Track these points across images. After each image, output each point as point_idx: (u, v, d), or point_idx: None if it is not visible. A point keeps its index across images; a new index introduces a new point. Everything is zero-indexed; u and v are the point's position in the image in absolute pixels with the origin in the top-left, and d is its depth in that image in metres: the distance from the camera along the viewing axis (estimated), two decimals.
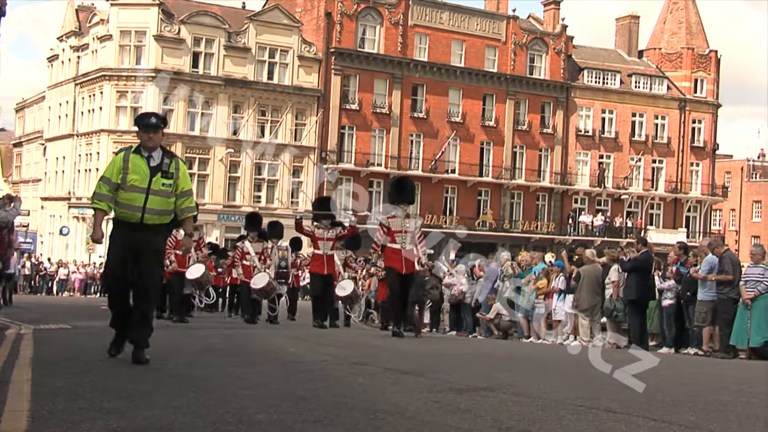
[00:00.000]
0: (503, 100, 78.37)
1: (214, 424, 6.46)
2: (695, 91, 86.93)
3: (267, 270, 25.76)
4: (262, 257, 26.01)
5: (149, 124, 10.69)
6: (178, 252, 24.45)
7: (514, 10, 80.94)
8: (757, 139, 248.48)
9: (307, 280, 37.94)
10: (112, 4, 68.02)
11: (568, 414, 7.54)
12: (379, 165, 72.73)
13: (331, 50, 71.78)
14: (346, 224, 25.90)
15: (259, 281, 25.17)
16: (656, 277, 23.16)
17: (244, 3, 78.01)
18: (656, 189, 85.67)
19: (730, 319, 20.42)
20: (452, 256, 32.77)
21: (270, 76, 70.80)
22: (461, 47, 77.31)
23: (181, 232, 24.04)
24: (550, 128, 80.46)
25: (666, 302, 22.70)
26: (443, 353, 16.10)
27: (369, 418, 6.93)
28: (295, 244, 30.32)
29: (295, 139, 71.23)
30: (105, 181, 10.67)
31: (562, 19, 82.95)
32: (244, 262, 26.46)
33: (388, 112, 73.94)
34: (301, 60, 71.51)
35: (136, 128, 11.14)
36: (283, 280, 28.49)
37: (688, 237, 73.49)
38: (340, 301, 26.76)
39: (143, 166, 10.61)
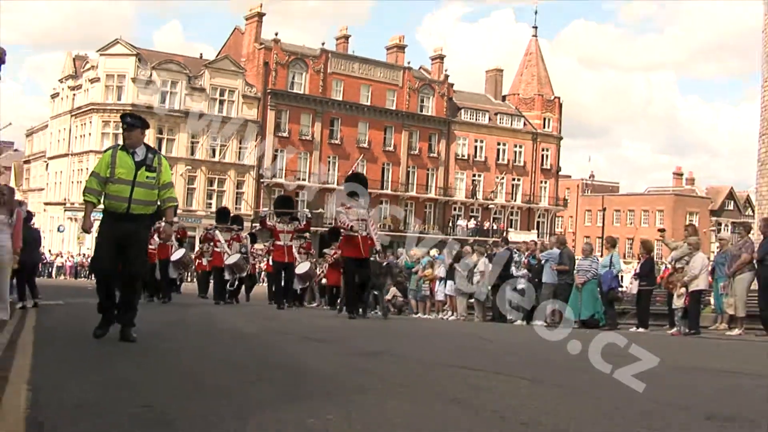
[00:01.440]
0: (400, 131, 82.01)
1: (170, 380, 6.42)
2: (544, 127, 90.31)
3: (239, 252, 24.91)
4: (231, 244, 25.16)
5: (127, 123, 10.26)
6: (216, 249, 25.02)
7: (408, 63, 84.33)
8: (588, 164, 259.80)
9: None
10: (100, 54, 70.98)
11: (442, 372, 7.59)
12: (304, 180, 75.16)
13: (268, 91, 74.99)
14: (303, 219, 24.83)
15: (231, 258, 24.65)
16: (513, 267, 23.32)
17: (201, 53, 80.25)
18: (515, 200, 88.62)
19: (566, 299, 21.17)
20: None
21: (220, 110, 73.43)
22: (368, 90, 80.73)
23: (217, 232, 25.01)
24: (435, 153, 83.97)
25: (519, 286, 22.60)
26: (351, 326, 15.69)
27: (292, 378, 6.81)
28: (253, 237, 30.22)
29: (239, 159, 73.72)
30: (95, 175, 10.08)
31: (446, 70, 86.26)
32: (216, 249, 25.92)
33: (311, 139, 76.96)
34: (244, 98, 74.50)
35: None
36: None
37: (538, 236, 73.56)
38: (298, 285, 26.81)
39: (129, 161, 10.00)
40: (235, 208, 68.65)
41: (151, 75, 71.00)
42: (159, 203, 10.47)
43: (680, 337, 17.51)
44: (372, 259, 19.83)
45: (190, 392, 5.91)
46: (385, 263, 21.74)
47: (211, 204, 70.98)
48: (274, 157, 75.48)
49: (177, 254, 24.94)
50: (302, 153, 77.19)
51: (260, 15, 78.25)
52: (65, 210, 73.24)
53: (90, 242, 69.14)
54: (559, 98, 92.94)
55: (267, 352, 9.46)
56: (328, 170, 77.76)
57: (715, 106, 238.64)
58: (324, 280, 30.36)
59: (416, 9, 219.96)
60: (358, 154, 79.51)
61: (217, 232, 26.27)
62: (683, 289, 18.29)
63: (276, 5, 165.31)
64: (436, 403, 5.66)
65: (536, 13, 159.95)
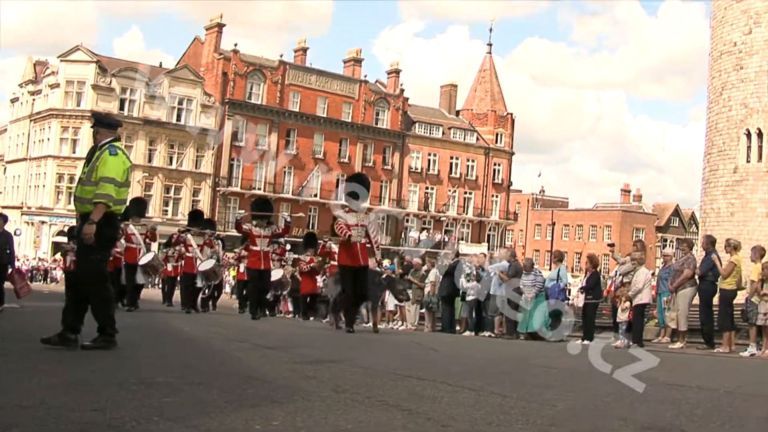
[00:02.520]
0: (355, 143, 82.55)
1: (120, 383, 6.31)
2: (496, 142, 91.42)
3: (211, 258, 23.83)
4: (203, 249, 23.88)
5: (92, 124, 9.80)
6: (131, 244, 21.95)
7: (365, 76, 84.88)
8: (539, 179, 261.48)
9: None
10: (61, 60, 71.03)
11: (389, 380, 7.54)
12: (259, 189, 74.83)
13: (226, 101, 75.17)
14: (282, 224, 22.88)
15: (204, 265, 23.42)
16: (462, 279, 23.21)
17: (161, 62, 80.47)
18: (467, 213, 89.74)
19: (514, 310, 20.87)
20: None
21: (178, 118, 73.62)
22: (325, 102, 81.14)
23: (131, 226, 21.87)
24: (389, 165, 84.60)
25: (469, 297, 23.08)
26: (303, 333, 15.94)
27: (239, 382, 6.82)
28: (223, 243, 28.96)
29: (196, 168, 73.83)
30: None
31: (401, 85, 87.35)
32: (187, 254, 24.09)
33: (267, 148, 76.96)
34: (202, 107, 74.51)
35: None
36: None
37: (489, 249, 74.35)
38: (270, 293, 25.52)
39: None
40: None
41: (110, 82, 70.91)
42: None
43: (624, 349, 17.49)
44: (372, 268, 17.70)
45: (141, 396, 5.82)
46: (384, 275, 19.42)
47: (167, 211, 71.57)
48: (230, 167, 75.46)
49: (145, 258, 22.62)
50: (258, 162, 77.05)
51: (220, 26, 78.59)
52: (22, 214, 72.67)
53: (46, 246, 69.11)
54: (511, 114, 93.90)
55: (218, 358, 9.39)
56: (284, 180, 77.76)
57: (663, 125, 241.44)
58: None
59: (374, 23, 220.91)
60: (314, 164, 79.80)
61: (189, 235, 24.37)
62: (627, 303, 18.44)
63: (236, 16, 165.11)
64: (381, 410, 5.66)
65: (491, 30, 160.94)
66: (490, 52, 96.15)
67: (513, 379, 8.74)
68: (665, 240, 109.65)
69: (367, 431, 4.93)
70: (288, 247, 30.93)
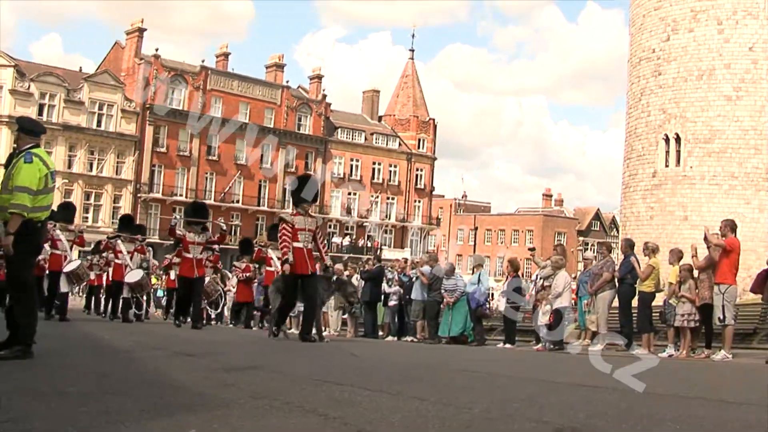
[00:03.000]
0: (277, 149, 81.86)
1: (34, 393, 6.20)
2: (419, 148, 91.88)
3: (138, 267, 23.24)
4: (133, 256, 23.30)
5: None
6: (56, 251, 20.93)
7: (287, 82, 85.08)
8: (462, 184, 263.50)
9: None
10: None
11: (308, 386, 7.50)
12: (181, 195, 75.09)
13: (147, 106, 74.20)
14: (217, 231, 22.54)
15: (133, 276, 22.81)
16: (384, 284, 23.93)
17: (81, 67, 78.79)
18: (389, 219, 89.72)
19: (434, 315, 21.62)
20: None
21: (99, 124, 72.50)
22: (247, 107, 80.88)
23: (57, 231, 20.78)
24: (312, 171, 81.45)
25: (391, 302, 23.75)
26: (224, 340, 15.74)
27: (156, 391, 6.72)
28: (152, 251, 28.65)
29: (117, 174, 72.82)
30: None
31: (323, 90, 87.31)
32: (117, 260, 23.37)
33: (189, 154, 76.78)
34: (123, 113, 73.47)
35: None
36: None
37: (411, 254, 72.29)
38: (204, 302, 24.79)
39: None
40: (112, 222, 66.84)
41: (29, 87, 69.69)
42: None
43: (545, 352, 17.91)
44: (320, 274, 16.84)
45: (55, 407, 5.72)
46: (335, 278, 18.50)
47: (87, 218, 70.17)
48: (152, 173, 74.98)
49: (70, 266, 21.70)
50: (179, 168, 76.91)
51: (141, 30, 77.73)
52: None
53: None
54: (434, 120, 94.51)
55: (134, 366, 9.26)
56: (205, 186, 77.53)
57: (583, 130, 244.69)
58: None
59: (295, 29, 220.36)
60: (236, 170, 79.59)
61: (119, 241, 23.60)
62: (548, 307, 18.68)
63: (157, 21, 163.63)
64: (299, 416, 5.64)
65: (413, 36, 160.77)
66: (412, 58, 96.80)
67: (432, 384, 8.73)
68: (586, 244, 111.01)
69: None
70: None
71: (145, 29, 78.30)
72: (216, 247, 25.19)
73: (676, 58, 45.61)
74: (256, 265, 26.22)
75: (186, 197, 74.26)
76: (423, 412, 6.10)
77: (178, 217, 22.38)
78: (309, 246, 15.69)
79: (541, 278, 19.72)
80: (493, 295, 44.41)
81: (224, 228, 22.27)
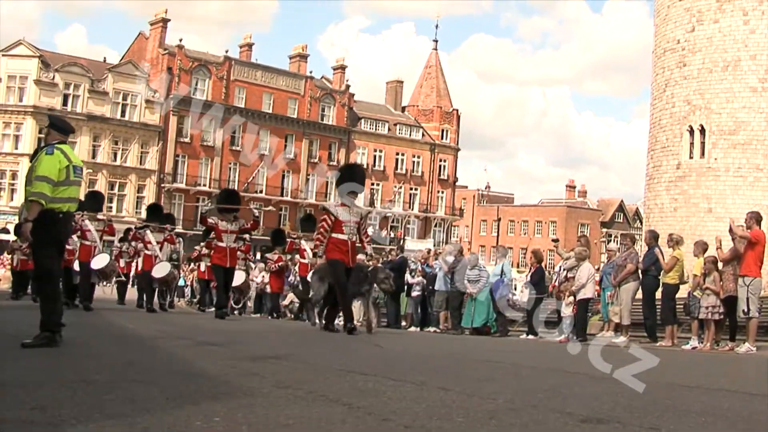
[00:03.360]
0: (300, 139, 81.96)
1: (61, 381, 6.26)
2: (442, 138, 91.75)
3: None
4: (162, 246, 22.64)
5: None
6: (86, 242, 20.62)
7: (311, 72, 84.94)
8: (484, 175, 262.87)
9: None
10: (3, 55, 69.08)
11: (332, 376, 7.52)
12: (204, 185, 75.67)
13: (171, 96, 74.39)
14: (250, 218, 21.58)
15: (160, 270, 22.22)
16: (407, 274, 23.91)
17: (105, 57, 79.86)
18: (412, 209, 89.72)
19: (458, 306, 21.56)
20: None
21: (123, 114, 72.87)
22: (270, 98, 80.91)
23: (86, 222, 20.61)
24: (335, 162, 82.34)
25: (414, 293, 23.81)
26: (248, 330, 15.56)
27: (181, 379, 6.77)
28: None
29: (140, 164, 73.15)
30: None
31: (347, 80, 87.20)
32: (146, 251, 22.86)
33: (212, 145, 76.77)
34: (147, 103, 73.74)
35: None
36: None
37: (434, 245, 71.90)
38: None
39: None
40: (136, 212, 68.34)
41: (54, 77, 69.94)
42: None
43: (567, 343, 17.62)
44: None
45: (82, 394, 5.76)
46: (370, 267, 17.63)
47: (111, 207, 69.69)
48: (175, 163, 75.27)
49: (99, 262, 21.06)
50: (203, 158, 77.08)
51: (165, 21, 77.88)
52: None
53: None
54: (457, 110, 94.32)
55: (161, 356, 9.27)
56: (228, 176, 77.49)
57: (607, 121, 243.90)
58: (268, 288, 28.03)
59: (319, 19, 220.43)
60: (260, 161, 79.18)
61: (148, 231, 22.99)
62: (571, 298, 18.70)
63: (181, 12, 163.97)
64: (323, 405, 5.66)
65: (437, 26, 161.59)
66: (435, 48, 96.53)
67: (456, 374, 8.71)
68: (610, 235, 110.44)
69: (307, 426, 4.92)
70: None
71: (169, 20, 78.52)
72: (248, 236, 24.71)
73: (701, 49, 45.31)
74: (288, 256, 25.61)
75: (209, 187, 75.06)
76: (447, 402, 6.11)
77: (210, 204, 20.54)
78: (353, 238, 14.90)
79: (564, 269, 19.63)
80: (516, 286, 44.25)
81: (257, 215, 21.23)
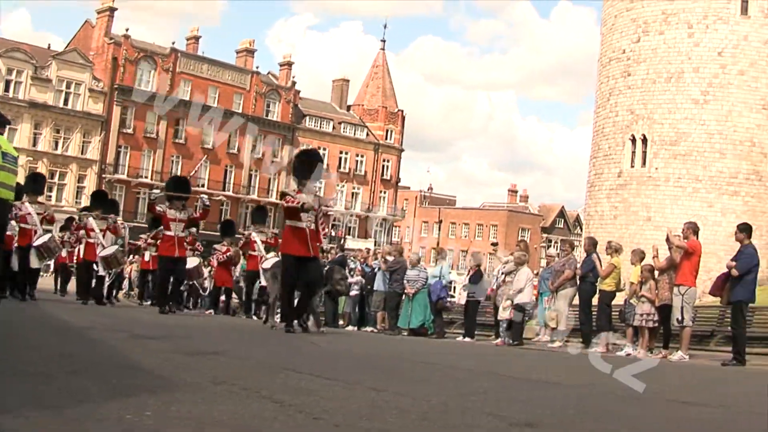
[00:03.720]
0: (244, 134, 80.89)
1: None
2: (386, 138, 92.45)
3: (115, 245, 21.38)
4: (106, 234, 21.34)
5: None
6: (26, 225, 19.92)
7: (257, 68, 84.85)
8: (427, 176, 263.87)
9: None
10: None
11: (266, 373, 7.57)
12: (146, 177, 74.83)
13: (115, 86, 74.12)
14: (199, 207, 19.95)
15: (106, 250, 21.10)
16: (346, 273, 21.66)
17: (49, 44, 79.35)
18: (354, 208, 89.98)
19: (395, 306, 21.84)
20: None
21: (66, 102, 72.26)
22: (216, 92, 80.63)
23: (26, 205, 19.89)
24: (279, 158, 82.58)
25: (352, 292, 23.53)
26: (187, 324, 15.11)
27: (117, 371, 6.74)
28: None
29: (82, 154, 72.65)
30: None
31: (293, 77, 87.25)
32: (88, 239, 21.52)
33: (155, 137, 76.49)
34: (90, 92, 73.44)
35: None
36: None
37: (374, 245, 71.13)
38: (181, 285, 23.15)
39: None
40: (76, 202, 67.59)
41: None
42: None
43: (504, 347, 17.94)
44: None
45: (15, 385, 5.71)
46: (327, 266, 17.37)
47: (51, 197, 68.97)
48: (117, 154, 74.82)
49: (41, 239, 20.51)
50: (145, 150, 76.68)
51: (112, 9, 77.27)
52: None
53: None
54: (402, 111, 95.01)
55: (97, 348, 9.18)
56: (171, 169, 76.31)
57: (552, 127, 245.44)
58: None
59: (267, 15, 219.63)
60: (202, 154, 79.37)
61: (90, 219, 21.78)
62: (509, 302, 18.72)
63: (129, 1, 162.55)
64: (256, 402, 5.67)
65: (385, 26, 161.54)
66: (383, 49, 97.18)
67: (390, 374, 8.74)
68: (550, 241, 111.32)
69: (239, 422, 4.91)
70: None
71: (116, 8, 77.90)
72: (194, 229, 24.25)
73: (645, 60, 45.89)
74: (239, 250, 24.99)
75: (151, 179, 73.86)
76: (379, 402, 6.13)
77: (157, 191, 20.66)
78: (311, 227, 14.17)
79: (503, 273, 19.70)
80: (454, 288, 44.50)
81: (207, 204, 19.89)
